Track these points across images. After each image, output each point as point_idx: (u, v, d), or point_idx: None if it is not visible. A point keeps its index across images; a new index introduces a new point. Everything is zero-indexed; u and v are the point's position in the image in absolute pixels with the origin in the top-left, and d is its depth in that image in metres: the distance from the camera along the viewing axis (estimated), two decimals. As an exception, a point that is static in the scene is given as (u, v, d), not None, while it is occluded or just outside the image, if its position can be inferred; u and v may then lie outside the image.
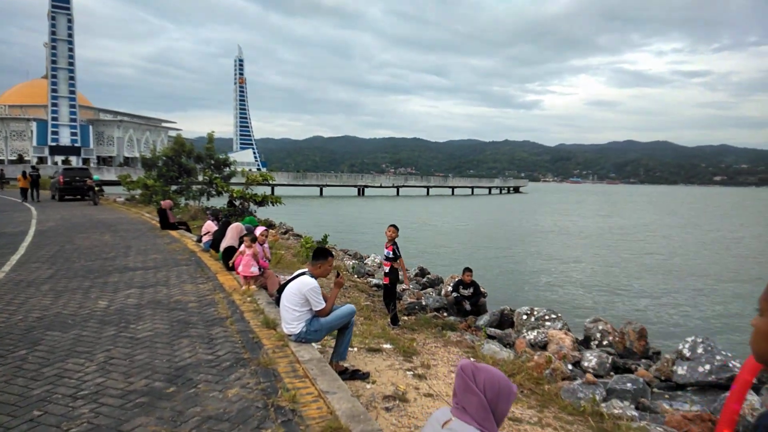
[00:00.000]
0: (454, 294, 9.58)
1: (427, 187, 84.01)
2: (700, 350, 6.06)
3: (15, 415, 3.29)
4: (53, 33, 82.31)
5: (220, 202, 18.92)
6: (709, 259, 20.58)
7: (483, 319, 8.73)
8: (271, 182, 22.70)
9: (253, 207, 16.49)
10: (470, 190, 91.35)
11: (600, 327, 7.69)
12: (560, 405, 4.60)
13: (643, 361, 7.12)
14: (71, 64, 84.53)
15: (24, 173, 26.12)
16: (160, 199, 18.17)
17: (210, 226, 10.34)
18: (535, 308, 8.62)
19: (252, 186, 17.67)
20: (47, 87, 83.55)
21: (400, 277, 7.39)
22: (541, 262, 19.13)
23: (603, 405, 4.78)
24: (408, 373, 4.84)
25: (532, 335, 7.52)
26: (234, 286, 7.13)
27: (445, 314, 9.08)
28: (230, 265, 7.87)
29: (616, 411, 4.65)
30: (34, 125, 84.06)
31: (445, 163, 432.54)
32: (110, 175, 49.52)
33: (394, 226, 7.26)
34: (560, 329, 7.74)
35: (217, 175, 20.31)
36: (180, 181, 21.07)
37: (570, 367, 6.24)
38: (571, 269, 17.55)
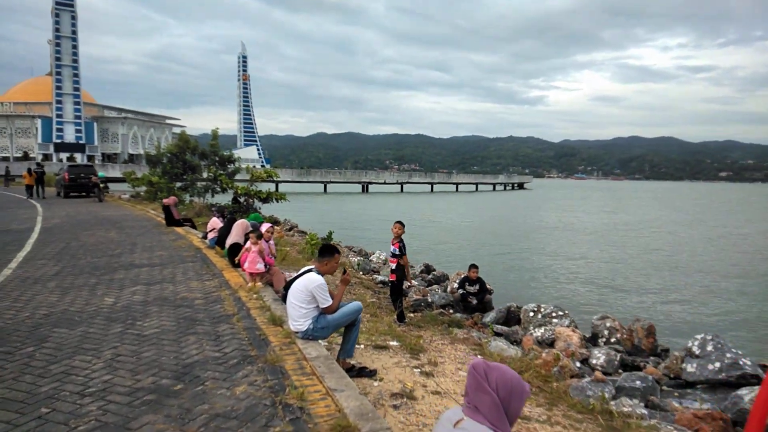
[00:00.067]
0: (460, 291, 9.54)
1: (431, 184, 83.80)
2: (709, 348, 6.00)
3: (23, 412, 3.28)
4: (57, 30, 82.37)
5: (224, 199, 18.92)
6: (716, 255, 20.45)
7: (489, 316, 8.70)
8: (275, 179, 22.68)
9: (257, 204, 16.47)
10: (474, 186, 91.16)
11: (608, 324, 7.64)
12: (569, 403, 4.56)
13: (651, 358, 7.08)
14: (75, 61, 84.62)
15: (29, 170, 26.24)
16: (165, 196, 18.19)
17: (215, 222, 10.35)
18: (542, 305, 8.58)
19: (256, 183, 17.65)
20: (52, 84, 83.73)
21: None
22: (547, 258, 19.06)
23: (612, 403, 4.74)
24: (415, 370, 4.81)
25: (539, 332, 7.49)
26: (240, 283, 7.12)
27: (451, 311, 9.05)
28: (236, 261, 7.86)
29: (625, 409, 4.61)
30: (39, 122, 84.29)
31: (449, 159, 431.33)
32: (115, 172, 49.71)
33: (400, 222, 7.22)
34: (567, 326, 7.70)
35: (222, 172, 20.31)
36: (185, 178, 21.10)
37: (578, 364, 6.20)
38: (577, 266, 17.47)
